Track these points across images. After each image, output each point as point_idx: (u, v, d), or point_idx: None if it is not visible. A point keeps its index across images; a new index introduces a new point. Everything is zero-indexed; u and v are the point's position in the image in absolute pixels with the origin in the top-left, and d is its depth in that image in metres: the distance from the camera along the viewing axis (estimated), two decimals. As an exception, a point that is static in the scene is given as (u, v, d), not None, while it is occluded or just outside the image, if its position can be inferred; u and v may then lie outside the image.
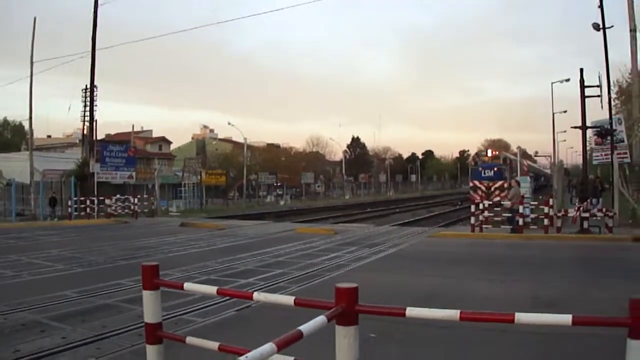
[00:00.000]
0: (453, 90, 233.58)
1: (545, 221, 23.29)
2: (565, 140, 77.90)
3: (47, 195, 40.24)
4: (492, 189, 41.27)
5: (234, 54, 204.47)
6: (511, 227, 23.94)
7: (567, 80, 48.06)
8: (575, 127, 26.37)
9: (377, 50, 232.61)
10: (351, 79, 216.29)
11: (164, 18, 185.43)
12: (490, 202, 26.18)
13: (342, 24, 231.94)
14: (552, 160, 54.58)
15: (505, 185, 40.35)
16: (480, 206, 25.38)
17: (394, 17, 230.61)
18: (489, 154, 52.67)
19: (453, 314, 3.95)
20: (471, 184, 44.60)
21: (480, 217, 24.61)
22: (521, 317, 3.75)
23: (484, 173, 45.01)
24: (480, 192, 41.43)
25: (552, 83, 55.43)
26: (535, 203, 27.86)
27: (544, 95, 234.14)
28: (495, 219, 24.86)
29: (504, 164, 48.67)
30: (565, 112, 55.67)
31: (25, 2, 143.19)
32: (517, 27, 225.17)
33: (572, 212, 23.80)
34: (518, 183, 26.72)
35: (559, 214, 23.70)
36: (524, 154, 53.96)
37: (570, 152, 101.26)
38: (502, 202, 25.52)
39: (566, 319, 3.64)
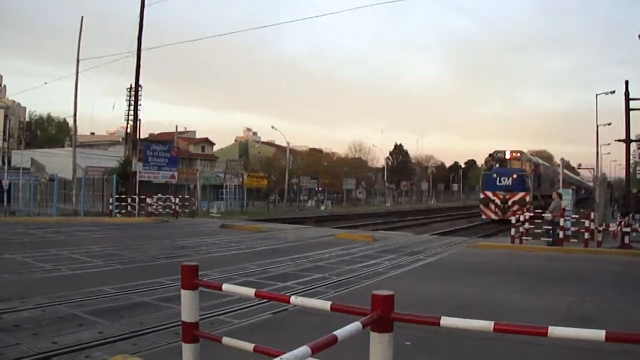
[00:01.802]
0: (496, 99, 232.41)
1: (586, 235, 22.92)
2: (609, 153, 76.58)
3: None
4: (510, 202, 38.05)
5: (278, 58, 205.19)
6: (551, 239, 23.64)
7: (612, 92, 47.27)
8: (620, 140, 26.09)
9: (420, 57, 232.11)
10: (394, 86, 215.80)
11: (209, 20, 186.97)
12: (532, 215, 25.68)
13: (386, 30, 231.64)
14: (595, 173, 53.67)
15: (527, 198, 39.21)
16: (521, 218, 24.79)
17: (438, 24, 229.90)
18: (508, 155, 44.45)
19: (487, 324, 3.94)
20: (482, 195, 41.26)
21: (521, 229, 24.34)
22: (554, 330, 3.73)
23: (500, 181, 40.16)
24: (493, 207, 39.79)
25: (596, 95, 54.05)
26: (577, 216, 27.48)
27: (588, 106, 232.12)
28: (536, 231, 24.58)
29: (528, 169, 42.90)
30: (609, 124, 54.62)
31: (74, 2, 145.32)
32: (560, 35, 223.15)
33: (613, 227, 23.49)
34: (560, 195, 26.36)
35: (600, 228, 23.39)
36: (567, 166, 52.98)
37: (614, 165, 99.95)
38: (542, 215, 25.18)
39: (599, 334, 3.62)
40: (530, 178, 39.59)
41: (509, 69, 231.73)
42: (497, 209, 37.37)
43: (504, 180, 38.63)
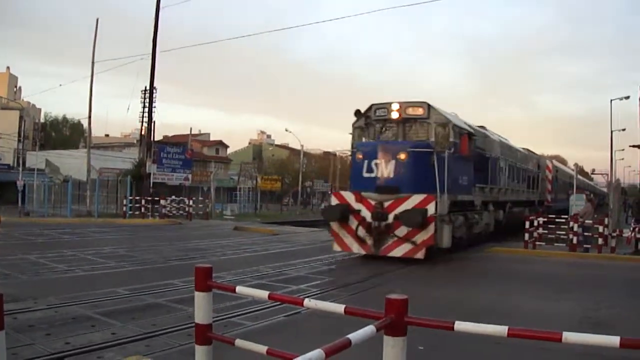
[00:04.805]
0: (512, 102, 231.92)
1: (600, 240, 22.76)
2: (623, 159, 76.28)
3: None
4: (391, 216, 18.43)
5: (293, 61, 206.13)
6: (589, 245, 23.10)
7: (627, 97, 46.91)
8: (634, 146, 25.95)
9: (439, 62, 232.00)
10: (412, 89, 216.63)
11: (224, 23, 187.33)
12: (545, 219, 25.42)
13: (404, 34, 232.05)
14: (609, 178, 53.23)
15: (433, 206, 17.73)
16: (535, 222, 24.48)
17: (456, 29, 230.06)
18: (396, 111, 20.28)
19: (501, 329, 3.93)
20: (333, 200, 20.51)
21: (534, 234, 24.18)
22: (569, 336, 3.71)
23: (370, 169, 19.18)
24: (354, 227, 19.24)
25: (611, 100, 53.48)
26: (590, 222, 27.29)
27: (602, 112, 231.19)
28: (549, 236, 24.43)
29: (440, 141, 19.85)
30: (623, 130, 54.22)
31: (90, 4, 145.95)
32: (576, 41, 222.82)
33: (627, 233, 23.34)
34: (592, 201, 26.09)
35: (614, 234, 23.25)
36: (581, 172, 52.04)
37: (628, 171, 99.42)
38: (556, 220, 24.91)
39: (614, 340, 3.61)
40: (445, 161, 18.63)
41: (526, 73, 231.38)
42: (364, 231, 19.02)
43: (379, 167, 18.91)
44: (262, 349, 4.92)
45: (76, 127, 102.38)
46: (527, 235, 24.11)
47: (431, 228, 18.02)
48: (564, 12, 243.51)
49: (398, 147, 19.41)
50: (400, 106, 20.36)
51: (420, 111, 20.40)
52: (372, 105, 21.18)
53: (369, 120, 21.30)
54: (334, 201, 20.38)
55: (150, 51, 42.03)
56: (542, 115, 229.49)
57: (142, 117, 46.32)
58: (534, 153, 39.45)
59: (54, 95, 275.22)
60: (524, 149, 36.37)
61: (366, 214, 19.02)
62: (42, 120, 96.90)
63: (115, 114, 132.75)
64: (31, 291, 11.65)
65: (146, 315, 10.06)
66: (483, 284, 15.45)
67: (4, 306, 4.99)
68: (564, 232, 23.94)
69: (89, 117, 44.81)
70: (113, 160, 64.89)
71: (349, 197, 19.60)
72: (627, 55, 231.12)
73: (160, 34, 42.96)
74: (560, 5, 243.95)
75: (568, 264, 20.27)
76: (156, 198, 38.88)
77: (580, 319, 10.80)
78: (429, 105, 20.35)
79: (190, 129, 69.96)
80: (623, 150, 59.70)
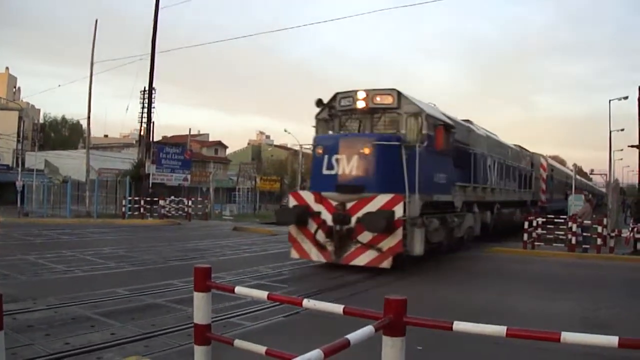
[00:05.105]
0: (511, 103, 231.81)
1: (599, 240, 22.77)
2: (621, 159, 76.17)
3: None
4: (354, 218, 16.22)
5: (291, 61, 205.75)
6: (588, 245, 23.13)
7: (626, 98, 46.83)
8: (633, 146, 25.96)
9: (438, 62, 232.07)
10: (410, 90, 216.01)
11: (222, 23, 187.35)
12: (544, 219, 25.42)
13: (403, 35, 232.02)
14: (608, 178, 53.15)
15: (401, 207, 15.63)
16: (534, 223, 24.50)
17: (455, 29, 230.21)
18: (362, 100, 17.97)
19: (500, 329, 3.94)
20: (292, 201, 17.98)
21: (533, 234, 24.19)
22: (567, 336, 3.72)
23: (330, 165, 17.05)
24: (313, 230, 17.09)
25: (609, 100, 53.25)
26: (589, 222, 27.25)
27: (601, 112, 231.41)
28: (548, 236, 24.43)
29: (411, 135, 17.58)
30: (622, 130, 54.13)
31: (89, 5, 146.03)
32: (575, 41, 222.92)
33: (625, 233, 23.36)
34: (590, 201, 26.07)
35: (612, 234, 23.27)
36: (580, 172, 51.76)
37: (626, 171, 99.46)
38: (555, 220, 24.95)
39: (613, 340, 3.62)
40: (416, 156, 16.52)
41: (525, 74, 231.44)
42: (324, 236, 16.98)
43: (340, 163, 16.86)
44: (261, 349, 4.93)
45: (75, 127, 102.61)
46: (526, 236, 24.10)
47: (399, 233, 15.69)
48: (564, 12, 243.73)
49: (361, 140, 17.04)
50: (367, 94, 17.95)
51: (389, 100, 17.86)
52: (337, 94, 18.84)
53: (334, 111, 18.98)
54: (292, 202, 17.93)
55: (150, 51, 42.06)
56: (542, 116, 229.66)
57: (141, 117, 46.45)
58: (527, 150, 36.73)
59: (53, 96, 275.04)
60: (516, 145, 33.91)
61: (327, 216, 16.77)
62: (41, 121, 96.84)
63: (114, 115, 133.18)
64: (30, 291, 11.66)
65: (145, 315, 10.06)
66: (482, 284, 15.41)
67: (4, 306, 5.00)
68: (562, 233, 23.94)
69: (88, 117, 44.77)
70: (112, 160, 64.94)
71: (308, 197, 17.37)
72: (627, 56, 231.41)
73: (160, 35, 42.98)
74: (560, 5, 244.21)
75: (567, 264, 20.27)
76: (155, 198, 38.90)
77: (579, 319, 10.81)
78: (399, 93, 17.82)
79: (190, 129, 70.07)
80: (622, 150, 59.71)
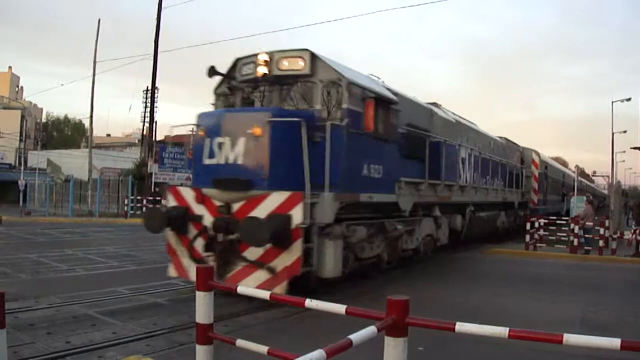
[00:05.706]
0: (511, 105, 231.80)
1: (600, 242, 22.71)
2: (624, 161, 76.15)
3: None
4: (235, 208, 11.67)
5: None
6: (590, 247, 23.00)
7: (628, 99, 46.82)
8: (635, 148, 25.92)
9: (439, 64, 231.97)
10: (411, 91, 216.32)
11: (225, 22, 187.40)
12: (546, 221, 25.36)
13: (404, 36, 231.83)
14: (610, 180, 52.97)
15: (299, 211, 10.66)
16: (536, 224, 24.38)
17: (457, 31, 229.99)
18: (262, 58, 12.98)
19: (502, 331, 3.93)
20: (172, 200, 12.90)
21: (535, 236, 24.14)
22: (570, 338, 3.71)
23: (212, 152, 12.00)
24: (192, 237, 12.20)
25: (612, 102, 53.09)
26: (591, 224, 27.11)
27: (604, 114, 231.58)
28: (550, 237, 24.40)
29: (330, 105, 12.58)
30: (624, 132, 54.04)
31: (92, 4, 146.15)
32: (578, 43, 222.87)
33: (627, 235, 23.32)
34: (591, 203, 25.96)
35: (615, 236, 23.24)
36: (582, 174, 51.40)
37: (629, 173, 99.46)
38: (557, 222, 24.91)
39: (615, 342, 3.61)
40: (329, 138, 11.79)
41: (526, 76, 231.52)
42: (203, 248, 11.97)
43: (222, 147, 11.85)
44: (263, 349, 4.92)
45: (78, 126, 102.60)
46: (527, 237, 24.06)
47: (297, 247, 11.02)
48: (566, 14, 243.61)
49: (250, 116, 12.18)
50: (270, 58, 13.07)
51: (299, 64, 12.98)
52: (238, 59, 14.01)
53: (235, 83, 14.14)
54: (171, 201, 12.97)
55: (152, 51, 42.08)
56: (544, 117, 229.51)
57: (144, 116, 46.57)
58: (516, 144, 31.92)
59: (56, 95, 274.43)
60: (502, 138, 28.99)
61: (209, 220, 12.00)
62: (43, 120, 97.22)
63: (116, 114, 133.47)
64: (32, 290, 11.69)
65: (147, 314, 10.10)
66: (484, 285, 15.38)
67: (5, 305, 5.01)
68: (564, 234, 23.91)
69: (91, 116, 44.93)
70: (114, 159, 64.84)
71: (189, 195, 12.58)
72: (629, 58, 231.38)
73: (162, 34, 43.03)
74: (562, 8, 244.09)
75: (569, 265, 20.22)
76: (157, 198, 38.88)
77: (581, 321, 10.77)
78: (312, 55, 12.92)
79: (192, 129, 69.91)
80: (624, 152, 59.85)
